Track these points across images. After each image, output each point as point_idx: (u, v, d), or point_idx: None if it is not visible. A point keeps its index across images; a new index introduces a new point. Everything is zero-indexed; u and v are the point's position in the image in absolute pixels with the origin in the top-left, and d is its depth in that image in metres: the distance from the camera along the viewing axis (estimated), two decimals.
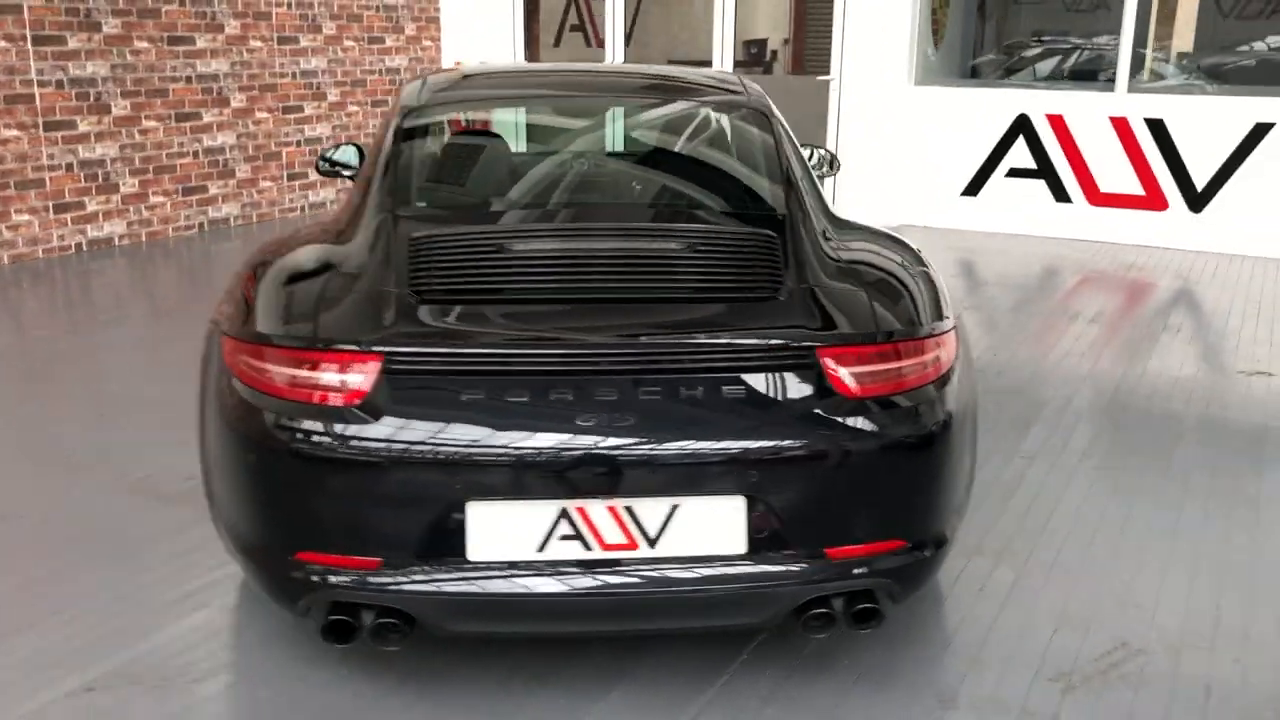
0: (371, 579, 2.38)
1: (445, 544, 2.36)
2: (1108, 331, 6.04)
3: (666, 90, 3.57)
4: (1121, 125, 8.53)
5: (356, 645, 2.48)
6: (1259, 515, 3.69)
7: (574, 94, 3.67)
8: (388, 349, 2.38)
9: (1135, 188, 8.58)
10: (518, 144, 3.71)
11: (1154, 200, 8.56)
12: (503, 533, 2.35)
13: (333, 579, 2.40)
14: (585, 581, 2.36)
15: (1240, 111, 8.30)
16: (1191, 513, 3.70)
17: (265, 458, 2.41)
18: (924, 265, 2.87)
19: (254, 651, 2.85)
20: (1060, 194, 8.82)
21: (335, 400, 2.37)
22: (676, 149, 3.59)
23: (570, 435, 2.32)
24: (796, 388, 2.41)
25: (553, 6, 11.60)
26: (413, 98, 3.34)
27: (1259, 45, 10.55)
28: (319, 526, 2.40)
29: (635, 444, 2.31)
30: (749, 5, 10.19)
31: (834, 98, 9.36)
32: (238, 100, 8.85)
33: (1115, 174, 8.61)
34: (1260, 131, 8.24)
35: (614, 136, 3.74)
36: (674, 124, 3.69)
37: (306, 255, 2.82)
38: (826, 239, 2.86)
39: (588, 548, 2.36)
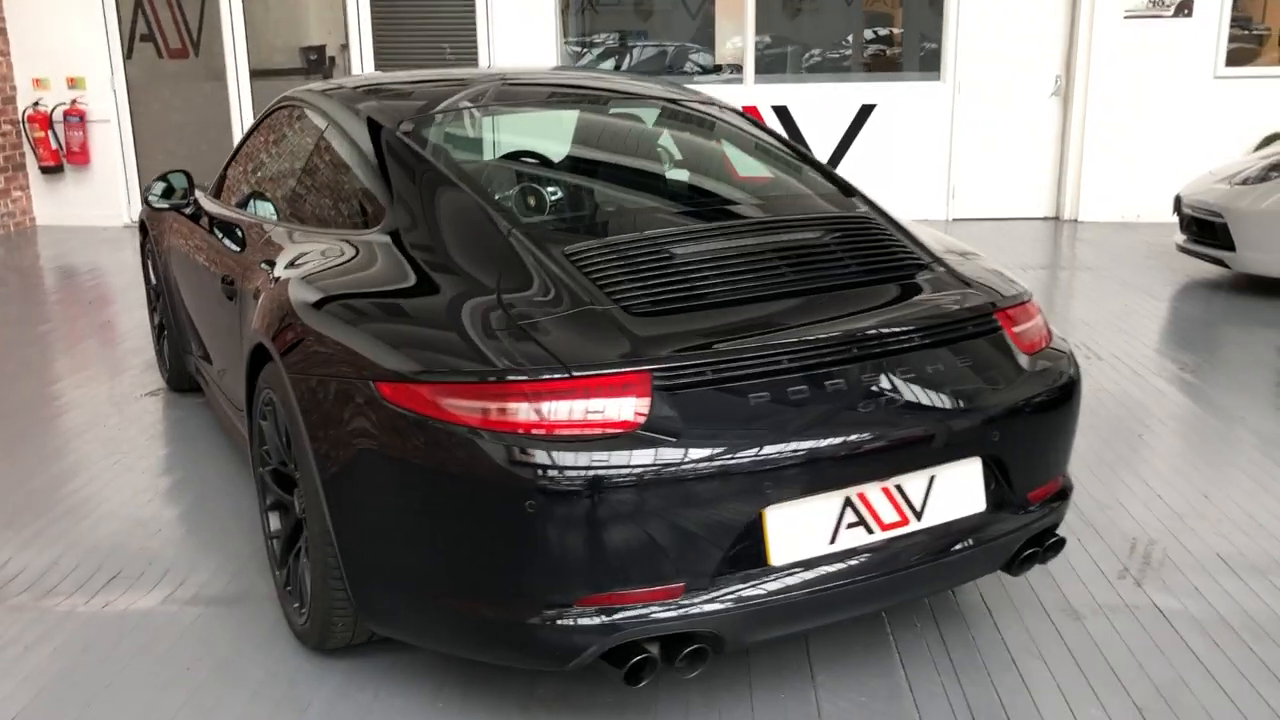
0: (676, 607, 2.23)
1: (746, 554, 2.27)
2: None
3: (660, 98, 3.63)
4: (753, 112, 9.38)
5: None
6: None
7: (616, 99, 3.58)
8: (654, 366, 2.24)
9: None
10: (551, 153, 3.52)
11: None
12: (798, 532, 2.30)
13: (630, 616, 2.21)
14: (872, 564, 2.38)
15: (849, 95, 9.47)
16: None
17: (543, 504, 2.15)
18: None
19: None
20: None
21: (618, 426, 2.19)
22: (711, 150, 3.56)
23: (842, 424, 2.31)
24: (997, 349, 2.59)
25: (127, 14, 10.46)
26: (420, 121, 3.12)
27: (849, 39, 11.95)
28: (612, 564, 2.20)
29: (897, 423, 2.36)
30: (299, 7, 9.91)
31: None
32: None
33: None
34: (866, 112, 9.47)
35: (662, 144, 3.63)
36: (691, 126, 3.66)
37: (438, 285, 2.54)
38: None
39: (870, 531, 2.38)
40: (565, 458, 2.14)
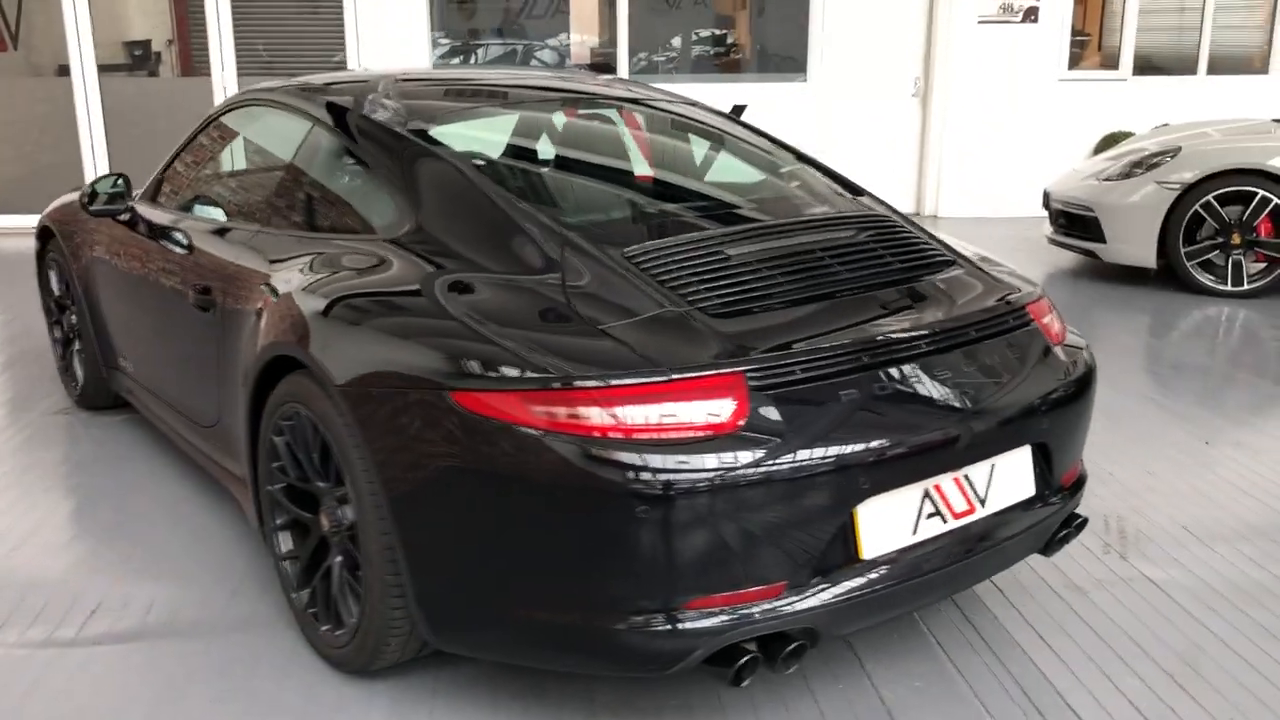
0: (777, 605, 2.25)
1: (841, 550, 2.31)
2: None
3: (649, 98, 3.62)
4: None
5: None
6: None
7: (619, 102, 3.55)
8: (748, 367, 2.25)
9: None
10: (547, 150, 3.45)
11: None
12: (886, 525, 2.35)
13: (736, 617, 2.22)
14: (947, 553, 2.46)
15: (721, 95, 9.63)
16: None
17: (654, 509, 2.13)
18: None
19: None
20: None
21: (719, 429, 2.19)
22: (720, 152, 3.55)
23: (920, 417, 2.39)
24: (1035, 341, 2.71)
25: None
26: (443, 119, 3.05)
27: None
28: (720, 567, 2.20)
29: (965, 414, 2.45)
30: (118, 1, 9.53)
31: None
32: None
33: None
34: (738, 112, 9.64)
35: (651, 145, 3.59)
36: (689, 129, 3.64)
37: (496, 291, 2.48)
38: None
39: (945, 521, 2.45)
40: (672, 461, 2.13)
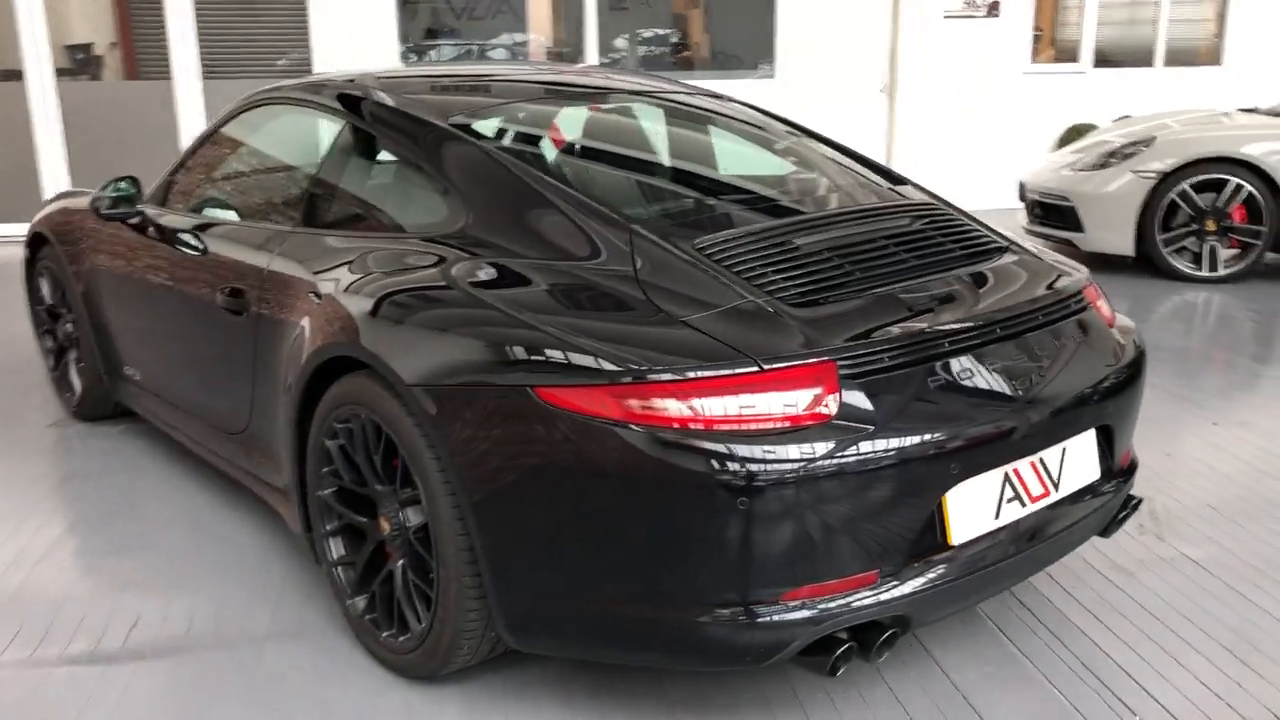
0: (872, 594, 2.25)
1: (931, 536, 2.31)
2: None
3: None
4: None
5: None
6: None
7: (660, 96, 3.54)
8: (837, 356, 2.24)
9: None
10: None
11: None
12: (971, 510, 2.36)
13: (833, 607, 2.21)
14: (1026, 536, 2.47)
15: None
16: None
17: (754, 501, 2.12)
18: None
19: None
20: None
21: (813, 419, 2.18)
22: (769, 144, 3.52)
23: (1001, 402, 2.40)
24: (1095, 324, 2.74)
25: None
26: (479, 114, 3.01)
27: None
28: (817, 556, 2.19)
29: (1040, 398, 2.47)
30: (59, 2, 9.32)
31: None
32: None
33: None
34: None
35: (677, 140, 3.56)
36: (736, 121, 3.61)
37: (570, 285, 2.45)
38: None
39: (1023, 505, 2.47)
40: (767, 453, 2.12)
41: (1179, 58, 10.24)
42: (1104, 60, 10.12)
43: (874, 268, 2.55)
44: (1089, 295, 2.78)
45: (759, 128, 3.53)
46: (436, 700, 2.62)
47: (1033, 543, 2.48)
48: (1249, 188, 6.61)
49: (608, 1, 10.05)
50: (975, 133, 9.62)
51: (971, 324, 2.41)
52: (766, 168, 3.29)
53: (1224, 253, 6.80)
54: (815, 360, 2.20)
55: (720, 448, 2.12)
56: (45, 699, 2.64)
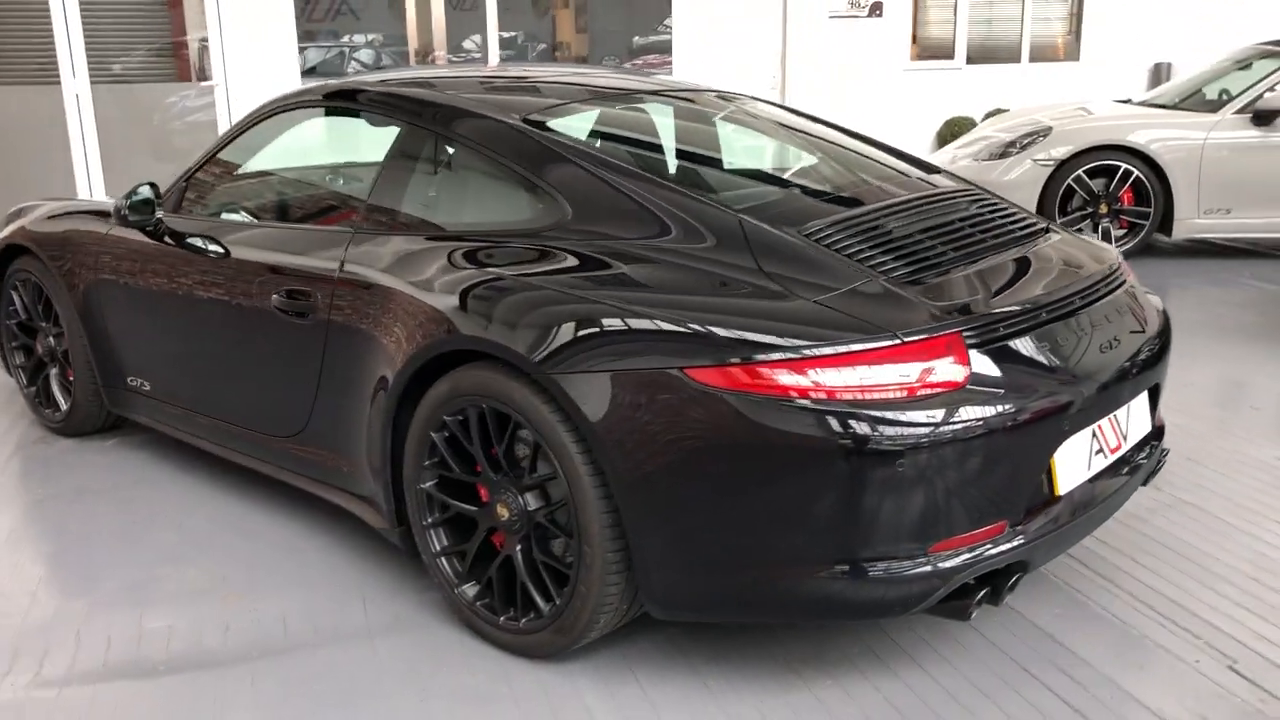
0: (1001, 542, 2.48)
1: (1044, 488, 2.57)
2: None
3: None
4: None
5: None
6: None
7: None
8: (963, 327, 2.47)
9: None
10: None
11: None
12: (1072, 464, 2.61)
13: (971, 557, 2.43)
14: (1109, 485, 2.75)
15: None
16: None
17: (909, 463, 2.32)
18: None
19: None
20: None
21: (949, 386, 2.39)
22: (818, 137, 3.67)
23: (1092, 365, 2.65)
24: (1138, 293, 3.05)
25: None
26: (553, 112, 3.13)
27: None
28: (958, 511, 2.40)
29: (1116, 361, 2.75)
30: None
31: (221, 104, 8.81)
32: None
33: None
34: None
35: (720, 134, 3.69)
36: (782, 116, 3.77)
37: (695, 270, 2.60)
38: None
39: (1105, 457, 2.74)
40: (920, 418, 2.33)
41: (1040, 54, 10.95)
42: (975, 57, 10.74)
43: (960, 247, 2.79)
44: (1123, 267, 3.08)
45: (804, 125, 3.71)
46: (568, 675, 2.72)
47: (1113, 489, 2.76)
48: (1136, 172, 7.19)
49: (451, 2, 10.10)
50: (860, 128, 10.06)
51: (1058, 295, 2.67)
52: (822, 161, 3.48)
53: (1115, 233, 7.37)
54: (945, 332, 2.42)
55: (876, 415, 2.31)
56: (179, 707, 2.63)
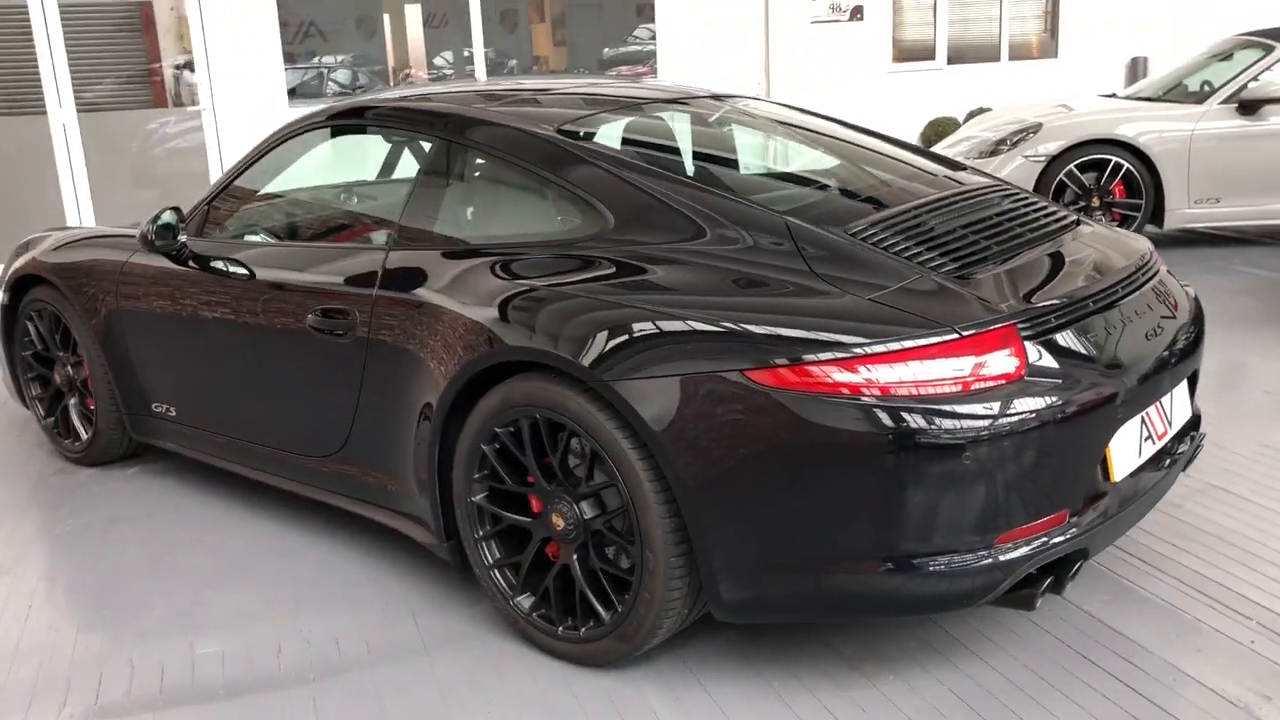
0: (1063, 531, 2.51)
1: (1100, 475, 2.60)
2: None
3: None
4: None
5: None
6: None
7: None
8: (1017, 320, 2.49)
9: None
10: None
11: None
12: (1125, 451, 2.64)
13: (1036, 546, 2.46)
14: (1157, 468, 2.79)
15: None
16: None
17: (975, 455, 2.34)
18: None
19: None
20: None
21: (1008, 378, 2.41)
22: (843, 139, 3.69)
23: (1142, 352, 2.69)
24: (1172, 281, 3.10)
25: None
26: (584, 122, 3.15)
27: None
28: (1023, 502, 2.43)
29: (1168, 349, 2.78)
30: None
31: (210, 128, 8.78)
32: None
33: None
34: None
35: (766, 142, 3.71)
36: (809, 120, 3.79)
37: (750, 272, 2.62)
38: None
39: (1154, 443, 2.78)
40: (984, 410, 2.36)
41: (1017, 53, 11.07)
42: (952, 58, 10.84)
43: (1001, 242, 2.82)
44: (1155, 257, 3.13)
45: (827, 127, 3.73)
46: (630, 681, 2.73)
47: (1162, 474, 2.79)
48: (1127, 165, 7.28)
49: (428, 21, 10.12)
50: None
51: (1102, 286, 2.71)
52: (850, 161, 3.50)
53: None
54: (1001, 325, 2.45)
55: (939, 409, 2.33)
56: None
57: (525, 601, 2.87)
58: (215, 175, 8.71)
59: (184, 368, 3.82)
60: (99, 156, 8.56)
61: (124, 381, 4.05)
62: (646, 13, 10.38)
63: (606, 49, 10.52)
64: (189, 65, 8.87)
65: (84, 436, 4.31)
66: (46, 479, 4.31)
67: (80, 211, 8.39)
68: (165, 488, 4.12)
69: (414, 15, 10.63)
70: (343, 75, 10.71)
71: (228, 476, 4.01)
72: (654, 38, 10.13)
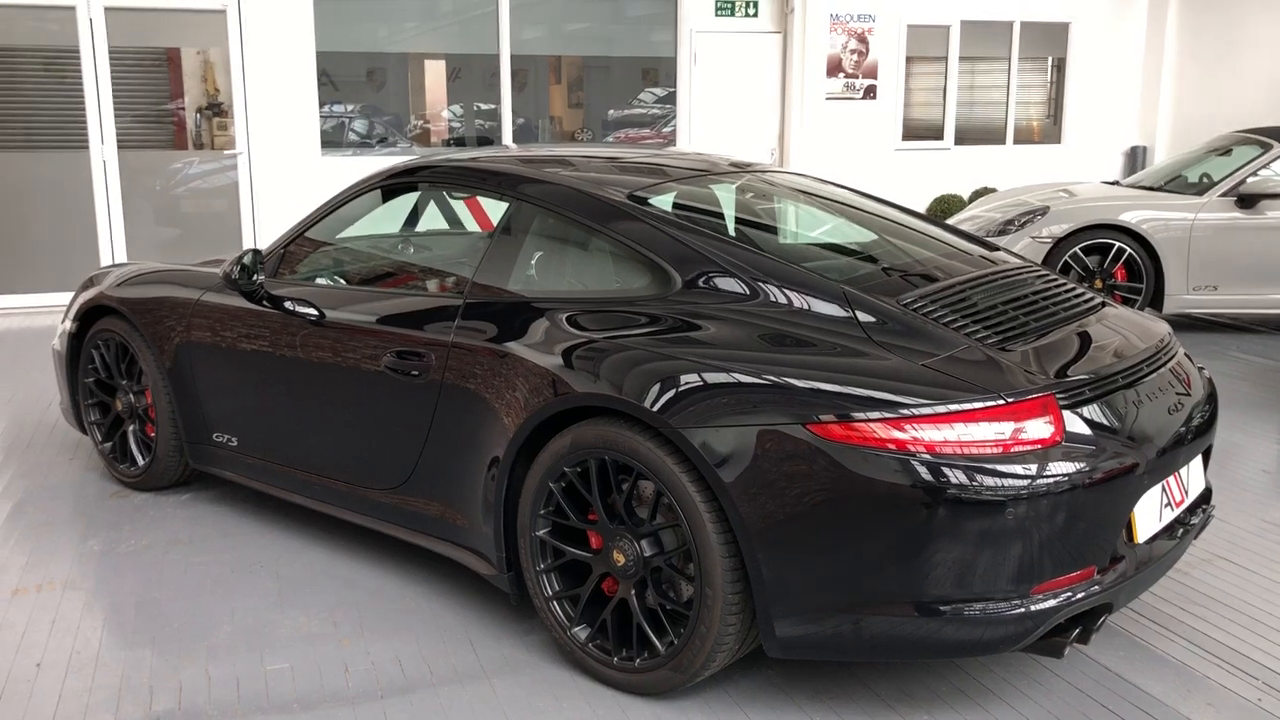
0: (1092, 585, 2.73)
1: (1125, 535, 2.83)
2: None
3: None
4: None
5: None
6: None
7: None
8: (1056, 390, 2.74)
9: None
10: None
11: None
12: (1148, 514, 2.87)
13: (1067, 598, 2.68)
14: (1172, 538, 3.02)
15: None
16: None
17: (1018, 511, 2.57)
18: None
19: None
20: None
21: (1046, 443, 2.65)
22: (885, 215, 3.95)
23: (1164, 425, 2.93)
24: (1188, 359, 3.36)
25: None
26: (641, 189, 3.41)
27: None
28: (1057, 556, 2.65)
29: (1186, 424, 3.02)
30: None
31: (244, 171, 9.05)
32: None
33: None
34: None
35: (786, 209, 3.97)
36: (847, 195, 4.05)
37: (810, 336, 2.86)
38: None
39: (1172, 510, 3.02)
40: (1022, 470, 2.59)
41: (1022, 136, 11.47)
42: (960, 139, 11.23)
43: (1039, 318, 3.08)
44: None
45: (870, 205, 4.00)
46: (682, 711, 2.93)
47: (1178, 539, 3.03)
48: (1130, 250, 7.60)
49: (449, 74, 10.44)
50: None
51: (1130, 363, 2.97)
52: (896, 237, 3.76)
53: None
54: (1041, 394, 2.69)
55: (986, 467, 2.57)
56: None
57: (581, 632, 3.07)
58: (247, 216, 8.96)
59: (249, 400, 4.03)
60: (134, 194, 8.82)
61: (187, 411, 4.26)
62: (651, 77, 10.74)
63: (611, 110, 10.84)
64: (213, 108, 9.15)
65: (140, 462, 4.50)
66: (103, 500, 4.49)
67: (113, 244, 8.62)
68: (221, 514, 4.31)
69: (435, 69, 10.94)
70: (360, 125, 11.02)
71: (280, 505, 4.21)
72: (658, 102, 10.48)
